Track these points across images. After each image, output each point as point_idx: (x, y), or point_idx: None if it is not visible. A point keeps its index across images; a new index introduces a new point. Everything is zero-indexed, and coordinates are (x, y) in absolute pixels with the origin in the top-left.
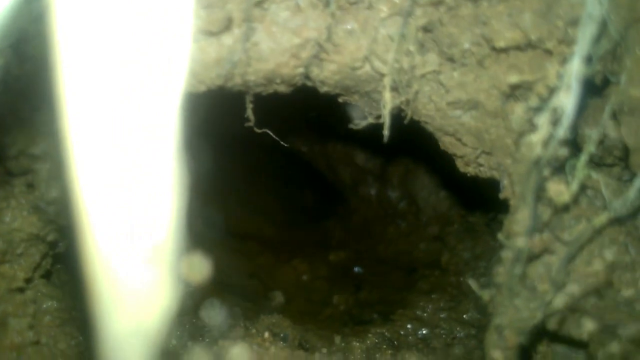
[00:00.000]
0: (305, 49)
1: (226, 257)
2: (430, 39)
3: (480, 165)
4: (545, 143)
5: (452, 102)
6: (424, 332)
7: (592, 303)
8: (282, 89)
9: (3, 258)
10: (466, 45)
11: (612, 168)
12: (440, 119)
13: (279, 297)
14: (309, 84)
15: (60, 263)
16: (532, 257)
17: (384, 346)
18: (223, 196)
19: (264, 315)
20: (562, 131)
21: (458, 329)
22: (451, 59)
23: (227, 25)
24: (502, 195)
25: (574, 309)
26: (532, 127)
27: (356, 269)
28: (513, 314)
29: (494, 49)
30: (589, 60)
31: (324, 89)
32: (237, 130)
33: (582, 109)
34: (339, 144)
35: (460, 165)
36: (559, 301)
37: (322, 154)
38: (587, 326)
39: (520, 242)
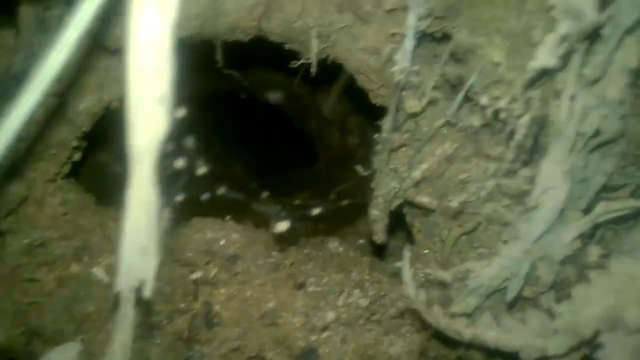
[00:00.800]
0: (257, 8)
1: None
2: (347, 3)
3: (383, 96)
4: (401, 72)
5: (361, 49)
6: (361, 242)
7: (436, 182)
8: (242, 37)
9: (40, 156)
10: (367, 8)
11: (452, 90)
12: (355, 61)
13: None
14: (261, 34)
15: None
16: (395, 149)
17: None
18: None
19: None
20: (408, 65)
21: None
22: (361, 17)
23: None
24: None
25: (421, 186)
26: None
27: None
28: (384, 187)
29: (384, 10)
30: (422, 18)
31: (272, 38)
32: (219, 87)
33: (428, 52)
34: (307, 98)
35: (372, 98)
36: (411, 179)
37: (295, 107)
38: (433, 202)
39: (385, 137)
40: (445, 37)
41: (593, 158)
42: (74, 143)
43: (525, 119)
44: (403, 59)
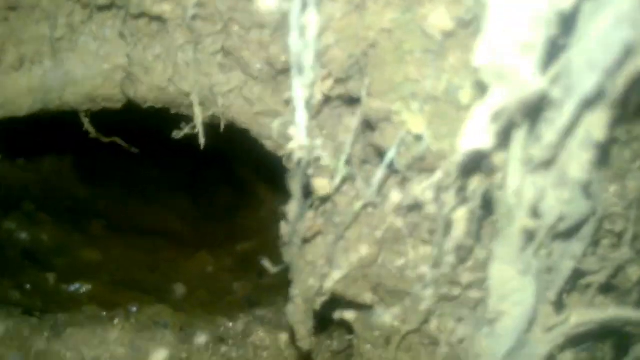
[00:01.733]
0: (115, 73)
1: (127, 253)
2: (232, 62)
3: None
4: (300, 150)
5: (260, 112)
6: None
7: (368, 271)
8: (111, 105)
9: None
10: (257, 66)
11: (371, 162)
12: (257, 126)
13: (180, 290)
14: (134, 100)
15: None
16: (309, 239)
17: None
18: (129, 194)
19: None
20: (304, 141)
21: None
22: (252, 77)
23: (37, 59)
24: None
25: (349, 279)
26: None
27: (261, 259)
28: (301, 285)
29: (277, 70)
30: (321, 80)
31: (147, 105)
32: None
33: (334, 119)
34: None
35: (285, 162)
36: (335, 274)
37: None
38: (367, 297)
39: (292, 227)
40: (354, 101)
41: (557, 244)
42: None
43: (462, 213)
44: (298, 135)
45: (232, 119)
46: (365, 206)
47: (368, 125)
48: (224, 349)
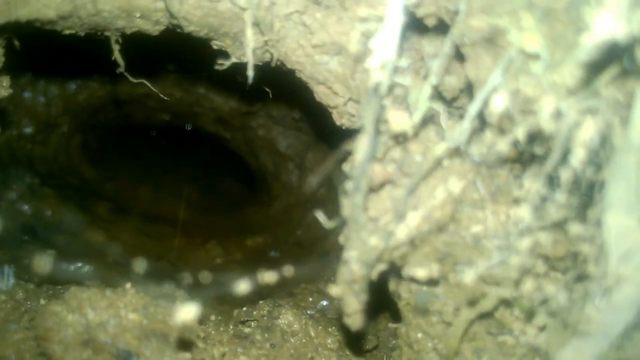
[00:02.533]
0: None
1: (133, 238)
2: None
3: (352, 115)
4: (382, 68)
5: (318, 45)
6: (323, 303)
7: (438, 238)
8: (146, 26)
9: None
10: None
11: (455, 101)
12: (310, 65)
13: (187, 279)
14: (174, 22)
15: None
16: (375, 188)
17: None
18: (139, 181)
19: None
20: (393, 58)
21: None
22: (316, 1)
23: None
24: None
25: (415, 243)
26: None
27: (272, 254)
28: (359, 246)
29: None
30: None
31: (190, 28)
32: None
33: (414, 50)
34: (260, 130)
35: (336, 118)
36: (401, 233)
37: (245, 141)
38: (433, 268)
39: (360, 170)
40: (442, 26)
41: None
42: None
43: (585, 135)
44: (385, 47)
45: (282, 55)
46: (445, 153)
47: (458, 55)
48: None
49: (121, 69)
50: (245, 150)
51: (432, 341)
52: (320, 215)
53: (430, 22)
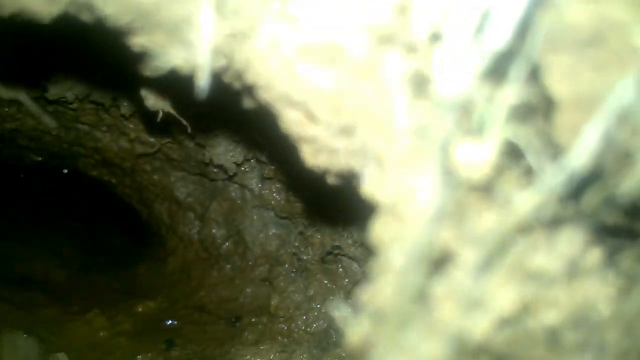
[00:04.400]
0: None
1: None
2: None
3: (335, 152)
4: (447, 106)
5: (304, 47)
6: None
7: (500, 334)
8: (36, 6)
9: None
10: None
11: (532, 129)
12: (287, 78)
13: None
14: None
15: None
16: (431, 271)
17: None
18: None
19: None
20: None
21: None
22: None
23: None
24: (364, 190)
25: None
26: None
27: (169, 322)
28: (404, 354)
29: None
30: None
31: (107, 11)
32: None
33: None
34: (154, 175)
35: (308, 155)
36: (477, 333)
37: (134, 187)
38: None
39: (419, 243)
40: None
41: None
42: None
43: None
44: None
45: (246, 60)
46: (538, 210)
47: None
48: None
49: None
50: (135, 198)
51: None
52: (337, 310)
53: None
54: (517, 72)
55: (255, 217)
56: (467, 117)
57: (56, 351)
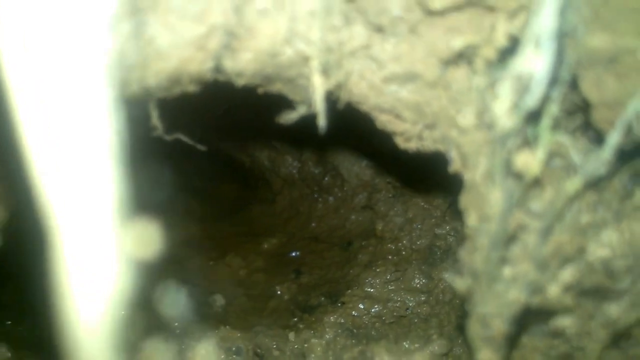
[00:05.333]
0: (212, 38)
1: (155, 271)
2: (354, 9)
3: (423, 139)
4: (511, 113)
5: (387, 78)
6: (377, 308)
7: (569, 271)
8: (192, 88)
9: None
10: (395, 12)
11: (575, 128)
12: (375, 97)
13: (219, 301)
14: (222, 78)
15: None
16: (508, 238)
17: (343, 338)
18: (143, 205)
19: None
20: (534, 100)
21: (409, 297)
22: (380, 29)
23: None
24: (451, 169)
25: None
26: (490, 97)
27: (292, 254)
28: (496, 300)
29: (428, 12)
30: (563, 11)
31: (241, 82)
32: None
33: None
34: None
35: (400, 141)
36: (553, 292)
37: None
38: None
39: (496, 225)
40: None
41: None
42: None
43: None
44: (527, 90)
45: (349, 91)
46: (585, 187)
47: (575, 72)
48: None
49: (159, 132)
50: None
51: None
52: (449, 277)
53: None
54: (557, 92)
55: (347, 153)
56: (523, 131)
57: (210, 294)
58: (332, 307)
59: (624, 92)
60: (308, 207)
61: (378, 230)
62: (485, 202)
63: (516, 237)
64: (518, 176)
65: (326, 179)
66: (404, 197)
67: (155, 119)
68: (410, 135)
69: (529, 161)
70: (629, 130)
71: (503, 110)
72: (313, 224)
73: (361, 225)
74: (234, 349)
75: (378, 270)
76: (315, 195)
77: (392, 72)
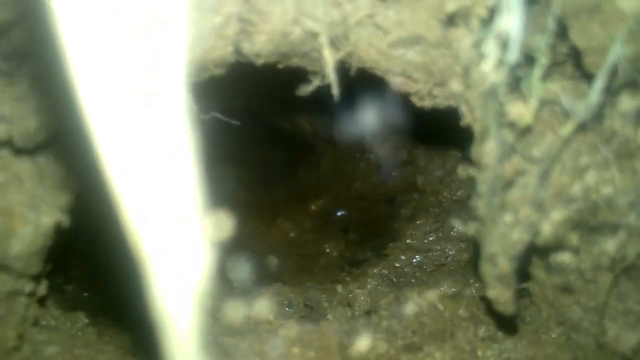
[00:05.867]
0: (229, 26)
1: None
2: None
3: (435, 97)
4: (497, 69)
5: (394, 42)
6: (418, 258)
7: (570, 207)
8: (218, 72)
9: None
10: None
11: (566, 74)
12: (386, 61)
13: (273, 261)
14: (243, 60)
15: None
16: (508, 183)
17: (384, 287)
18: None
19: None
20: (513, 55)
21: (449, 246)
22: None
23: None
24: (463, 123)
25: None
26: (479, 55)
27: (339, 213)
28: (501, 241)
29: None
30: None
31: (260, 61)
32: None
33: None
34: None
35: (415, 100)
36: (546, 231)
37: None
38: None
39: (493, 172)
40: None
41: None
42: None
43: None
44: (507, 47)
45: (358, 59)
46: (574, 132)
47: (564, 22)
48: None
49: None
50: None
51: (573, 296)
52: (457, 222)
53: None
54: (544, 43)
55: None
56: (514, 84)
57: (265, 257)
58: (377, 259)
59: (608, 37)
60: (352, 167)
61: (419, 184)
62: (482, 152)
63: (515, 182)
64: (511, 125)
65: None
66: (441, 150)
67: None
68: (423, 94)
69: (522, 111)
70: (613, 73)
71: (490, 66)
72: (357, 183)
73: (403, 180)
74: (286, 302)
75: (419, 222)
76: (358, 155)
77: (397, 37)
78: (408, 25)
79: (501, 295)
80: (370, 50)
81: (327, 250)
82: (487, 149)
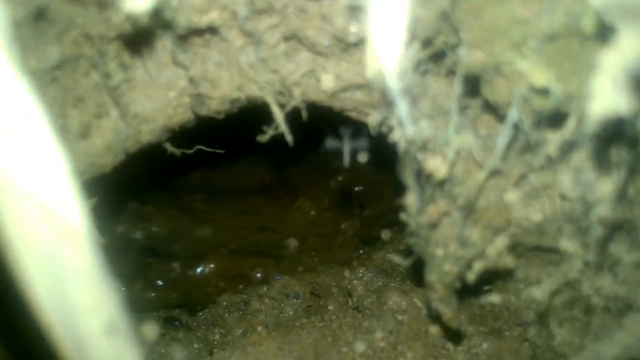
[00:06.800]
0: (181, 98)
1: (233, 220)
2: (296, 41)
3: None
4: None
5: (341, 88)
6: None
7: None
8: (179, 131)
9: None
10: (325, 42)
11: (476, 123)
12: (338, 102)
13: (293, 243)
14: (205, 116)
15: None
16: (435, 225)
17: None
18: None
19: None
20: (410, 131)
21: None
22: (320, 53)
23: (102, 112)
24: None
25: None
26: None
27: (356, 188)
28: (437, 271)
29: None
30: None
31: (220, 117)
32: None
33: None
34: None
35: (371, 129)
36: (479, 267)
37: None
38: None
39: (416, 220)
40: (444, 60)
41: None
42: None
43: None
44: (401, 126)
45: (310, 101)
46: (489, 176)
47: (470, 83)
48: None
49: (178, 155)
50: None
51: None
52: (396, 258)
53: (435, 60)
54: (454, 105)
55: None
56: (431, 142)
57: (285, 238)
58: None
59: (511, 93)
60: None
61: None
62: (406, 204)
63: (441, 222)
64: (428, 177)
65: None
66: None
67: (170, 148)
68: (377, 124)
69: (438, 164)
70: (516, 128)
71: (397, 137)
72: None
73: None
74: (292, 294)
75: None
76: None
77: (341, 86)
78: (347, 76)
79: (444, 314)
80: (320, 95)
81: (343, 228)
82: (409, 202)
